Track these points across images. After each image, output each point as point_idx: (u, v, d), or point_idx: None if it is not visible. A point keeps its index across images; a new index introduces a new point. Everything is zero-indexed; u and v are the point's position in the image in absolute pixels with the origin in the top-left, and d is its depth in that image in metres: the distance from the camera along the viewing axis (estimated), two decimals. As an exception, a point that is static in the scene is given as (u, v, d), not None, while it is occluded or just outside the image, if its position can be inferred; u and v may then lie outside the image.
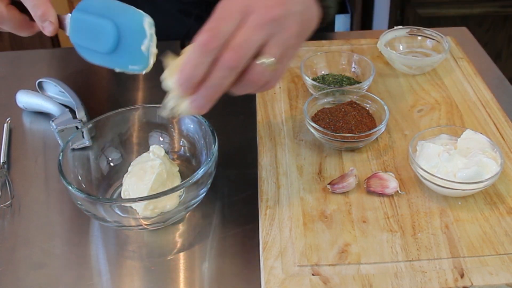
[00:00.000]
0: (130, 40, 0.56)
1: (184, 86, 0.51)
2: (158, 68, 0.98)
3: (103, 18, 0.55)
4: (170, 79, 0.53)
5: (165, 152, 0.70)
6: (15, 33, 0.63)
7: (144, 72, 0.58)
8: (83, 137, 0.72)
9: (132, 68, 0.57)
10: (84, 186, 0.66)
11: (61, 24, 0.60)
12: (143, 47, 0.55)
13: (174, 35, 0.97)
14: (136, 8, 0.56)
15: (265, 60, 0.52)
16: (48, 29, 0.59)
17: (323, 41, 0.96)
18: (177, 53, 0.55)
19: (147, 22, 0.55)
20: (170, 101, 0.55)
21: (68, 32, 0.58)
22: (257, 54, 0.52)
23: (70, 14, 0.59)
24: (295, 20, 0.54)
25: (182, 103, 0.54)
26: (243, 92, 0.55)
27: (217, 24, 0.50)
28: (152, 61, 0.57)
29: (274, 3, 0.52)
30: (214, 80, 0.51)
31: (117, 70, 0.58)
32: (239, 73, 0.52)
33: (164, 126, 0.73)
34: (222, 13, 0.51)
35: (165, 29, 0.97)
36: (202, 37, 0.50)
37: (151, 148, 0.69)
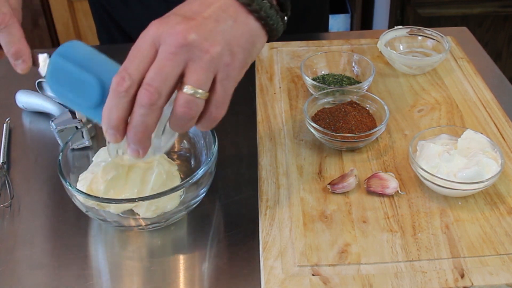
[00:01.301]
0: None
1: (107, 132, 0.51)
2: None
3: (87, 72, 0.52)
4: None
5: (164, 152, 0.70)
6: None
7: None
8: (83, 137, 0.72)
9: None
10: (84, 186, 0.65)
11: (34, 61, 0.58)
12: None
13: None
14: (118, 64, 0.53)
15: (185, 89, 0.49)
16: (20, 67, 0.58)
17: (323, 41, 0.96)
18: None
19: None
20: (110, 149, 0.55)
21: (44, 74, 0.55)
22: (181, 84, 0.49)
23: (47, 55, 0.56)
24: (216, 39, 0.50)
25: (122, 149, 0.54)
26: (183, 129, 0.52)
27: (127, 64, 0.49)
28: None
29: (185, 28, 0.49)
30: (136, 120, 0.49)
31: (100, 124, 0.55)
32: (160, 107, 0.49)
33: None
34: (133, 51, 0.50)
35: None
36: (113, 80, 0.49)
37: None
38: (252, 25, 0.53)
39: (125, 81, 0.48)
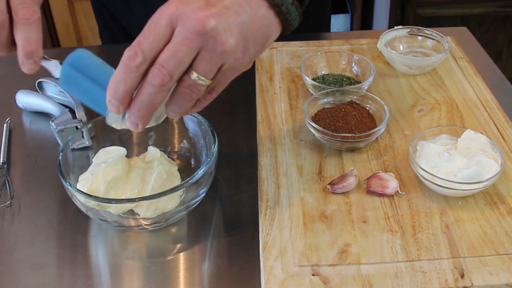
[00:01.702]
0: None
1: (110, 102, 0.51)
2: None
3: (96, 85, 0.53)
4: None
5: (164, 152, 0.70)
6: None
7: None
8: (83, 137, 0.72)
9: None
10: (84, 186, 0.65)
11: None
12: None
13: None
14: None
15: (193, 75, 0.50)
16: (28, 67, 0.56)
17: (323, 41, 0.96)
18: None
19: None
20: (109, 117, 0.55)
21: (59, 81, 0.56)
22: (189, 68, 0.50)
23: (58, 62, 0.57)
24: (233, 33, 0.49)
25: (120, 121, 0.54)
26: (176, 110, 0.53)
27: (141, 40, 0.49)
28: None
29: (205, 14, 0.48)
30: (143, 96, 0.50)
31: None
32: (169, 89, 0.50)
33: (164, 127, 0.73)
34: (149, 27, 0.49)
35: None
36: (126, 54, 0.49)
37: (148, 149, 0.69)
38: (270, 20, 0.53)
39: (138, 56, 0.48)
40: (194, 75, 0.50)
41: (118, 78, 0.50)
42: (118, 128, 0.56)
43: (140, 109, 0.51)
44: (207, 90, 0.53)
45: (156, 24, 0.49)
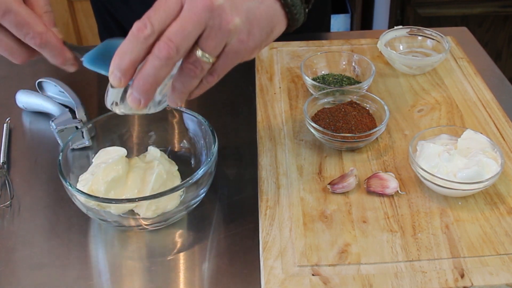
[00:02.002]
0: None
1: (112, 74, 0.50)
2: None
3: None
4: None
5: (164, 152, 0.70)
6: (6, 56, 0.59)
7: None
8: (83, 137, 0.72)
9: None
10: (84, 186, 0.65)
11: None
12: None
13: None
14: None
15: (200, 51, 0.51)
16: (71, 69, 0.58)
17: (323, 41, 0.96)
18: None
19: None
20: (109, 95, 0.54)
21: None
22: (195, 45, 0.51)
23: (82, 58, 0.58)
24: (239, 13, 0.51)
25: (120, 98, 0.54)
26: (180, 90, 0.53)
27: (151, 13, 0.50)
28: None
29: None
30: (148, 69, 0.50)
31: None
32: (174, 64, 0.51)
33: (164, 126, 0.73)
34: (159, 2, 0.50)
35: None
36: (135, 25, 0.49)
37: (148, 149, 0.69)
38: (276, 11, 0.55)
39: (147, 28, 0.49)
40: (199, 52, 0.51)
41: (125, 48, 0.50)
42: (117, 112, 0.56)
43: (144, 82, 0.50)
44: (210, 71, 0.54)
45: (167, 0, 0.50)
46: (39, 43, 0.55)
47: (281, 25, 0.56)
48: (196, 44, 0.51)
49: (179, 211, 0.64)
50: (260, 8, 0.54)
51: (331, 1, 1.16)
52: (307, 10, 0.59)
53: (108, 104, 0.56)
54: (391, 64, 0.89)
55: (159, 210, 0.62)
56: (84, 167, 0.67)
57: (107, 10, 1.05)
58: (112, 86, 0.54)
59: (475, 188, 0.62)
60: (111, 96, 0.55)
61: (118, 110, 0.57)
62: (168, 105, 0.57)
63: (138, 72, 0.51)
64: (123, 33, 1.22)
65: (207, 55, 0.51)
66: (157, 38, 0.50)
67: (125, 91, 0.54)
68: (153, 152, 0.69)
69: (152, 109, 0.57)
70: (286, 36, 0.81)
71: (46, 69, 1.00)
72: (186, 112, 0.70)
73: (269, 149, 0.73)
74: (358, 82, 0.82)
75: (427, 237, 0.60)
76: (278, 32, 0.57)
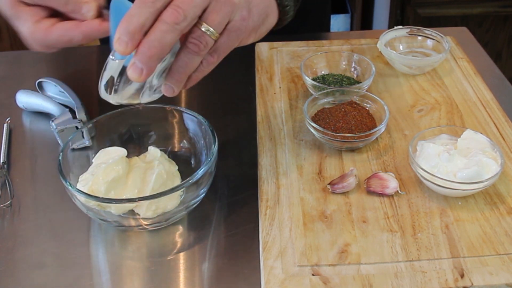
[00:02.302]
0: None
1: (119, 39, 0.49)
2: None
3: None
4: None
5: (164, 152, 0.70)
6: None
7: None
8: (83, 137, 0.72)
9: None
10: (84, 186, 0.65)
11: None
12: None
13: None
14: None
15: (204, 28, 0.52)
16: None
17: (323, 41, 0.96)
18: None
19: None
20: (105, 73, 0.53)
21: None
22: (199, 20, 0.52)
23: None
24: None
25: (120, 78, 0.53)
26: (181, 69, 0.53)
27: None
28: None
29: None
30: (155, 34, 0.50)
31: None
32: (181, 31, 0.51)
33: (164, 126, 0.73)
34: None
35: None
36: None
37: (148, 149, 0.69)
38: (270, 1, 0.58)
39: None
40: (204, 26, 0.52)
41: (132, 13, 0.50)
42: (111, 101, 0.55)
43: (150, 47, 0.50)
44: (210, 51, 0.54)
45: None
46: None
47: (273, 15, 0.58)
48: (199, 19, 0.52)
49: (179, 211, 0.64)
50: None
51: (331, 1, 1.16)
52: (296, 7, 0.61)
53: (102, 87, 0.54)
54: (391, 64, 0.89)
55: (159, 210, 0.62)
56: (84, 167, 0.67)
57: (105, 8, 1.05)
58: (108, 63, 0.53)
59: (475, 188, 0.62)
60: (109, 71, 0.53)
61: (112, 98, 0.55)
62: (162, 95, 0.57)
63: (144, 38, 0.50)
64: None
65: (211, 29, 0.52)
66: (164, 7, 0.50)
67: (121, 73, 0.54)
68: (153, 152, 0.69)
69: (146, 96, 0.56)
70: (286, 36, 0.82)
71: (46, 69, 1.00)
72: (186, 112, 0.70)
73: (269, 149, 0.73)
74: (358, 82, 0.82)
75: (427, 237, 0.60)
76: (271, 22, 0.58)
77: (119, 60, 0.53)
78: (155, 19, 0.50)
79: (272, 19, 0.59)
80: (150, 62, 0.50)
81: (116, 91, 0.55)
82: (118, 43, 0.50)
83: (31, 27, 0.55)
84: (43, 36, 0.55)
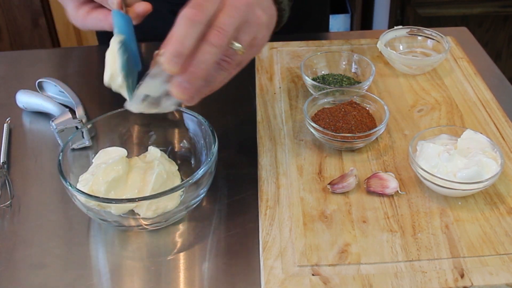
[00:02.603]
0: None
1: (172, 61, 0.50)
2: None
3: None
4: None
5: (164, 152, 0.70)
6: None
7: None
8: (83, 137, 0.72)
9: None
10: (84, 186, 0.65)
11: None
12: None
13: (163, 36, 0.97)
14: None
15: (236, 45, 0.53)
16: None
17: (323, 41, 0.96)
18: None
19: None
20: (144, 89, 0.54)
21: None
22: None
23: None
24: (263, 10, 0.55)
25: (159, 91, 0.54)
26: (213, 80, 0.55)
27: (201, 1, 0.51)
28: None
29: None
30: (203, 56, 0.51)
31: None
32: (221, 53, 0.52)
33: (164, 126, 0.73)
34: None
35: (155, 30, 0.97)
36: (188, 11, 0.50)
37: (148, 149, 0.69)
38: (274, 7, 0.60)
39: (202, 13, 0.50)
40: (235, 45, 0.53)
41: (183, 33, 0.50)
42: (132, 109, 0.56)
43: (198, 68, 0.51)
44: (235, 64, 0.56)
45: None
46: None
47: (275, 17, 0.60)
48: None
49: (179, 211, 0.64)
50: (270, 6, 0.58)
51: (330, 1, 1.16)
52: (290, 6, 0.62)
53: (139, 99, 0.56)
54: (391, 64, 0.89)
55: (159, 210, 0.62)
56: (84, 167, 0.67)
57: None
58: (147, 82, 0.54)
59: (475, 188, 0.62)
60: (146, 89, 0.55)
61: (138, 109, 0.57)
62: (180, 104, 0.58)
63: (192, 60, 0.51)
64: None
65: (241, 48, 0.53)
66: (207, 26, 0.51)
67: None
68: (154, 152, 0.69)
69: (165, 106, 0.57)
70: (286, 36, 0.81)
71: (46, 69, 1.00)
72: (186, 112, 0.70)
73: (269, 149, 0.73)
74: (358, 82, 0.82)
75: (427, 237, 0.60)
76: (273, 25, 0.60)
77: (159, 81, 0.54)
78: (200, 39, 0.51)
79: (273, 26, 0.61)
80: (197, 82, 0.52)
81: (150, 105, 0.56)
82: (171, 65, 0.50)
83: (72, 12, 0.62)
84: (81, 22, 0.62)
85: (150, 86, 0.55)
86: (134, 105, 0.57)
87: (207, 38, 0.51)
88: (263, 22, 0.55)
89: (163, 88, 0.54)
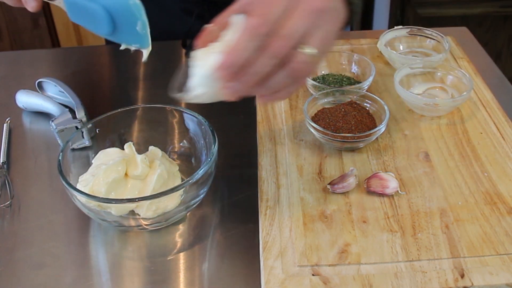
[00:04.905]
0: (124, 23, 0.56)
1: (230, 69, 0.49)
2: (158, 68, 0.98)
3: (94, 3, 0.55)
4: (202, 65, 0.52)
5: (165, 152, 0.70)
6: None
7: (146, 54, 0.57)
8: (83, 137, 0.72)
9: (135, 46, 0.57)
10: (84, 186, 0.65)
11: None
12: (138, 28, 0.55)
13: (175, 34, 0.97)
14: None
15: (308, 50, 0.51)
16: (31, 5, 0.59)
17: (323, 41, 0.96)
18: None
19: (133, 4, 0.55)
20: (198, 87, 0.53)
21: (67, 14, 0.58)
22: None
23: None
24: (335, 15, 0.53)
25: (210, 89, 0.53)
26: (290, 90, 0.53)
27: (267, 9, 0.49)
28: (150, 40, 0.57)
29: None
30: (259, 67, 0.49)
31: (122, 47, 0.57)
32: (283, 61, 0.51)
33: (164, 126, 0.73)
34: (269, 1, 0.50)
35: (167, 28, 0.96)
36: (253, 21, 0.49)
37: (149, 149, 0.69)
38: (344, 9, 0.57)
39: (266, 25, 0.49)
40: (311, 50, 0.51)
41: (243, 44, 0.49)
42: (185, 97, 0.55)
43: (251, 79, 0.50)
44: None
45: (276, 0, 0.50)
46: None
47: (344, 18, 0.58)
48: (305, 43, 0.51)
49: (179, 211, 0.64)
50: (341, 8, 0.55)
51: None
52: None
53: (191, 94, 0.54)
54: (391, 64, 0.89)
55: (160, 210, 0.62)
56: (84, 167, 0.67)
57: None
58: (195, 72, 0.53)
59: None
60: (200, 88, 0.54)
61: (190, 96, 0.55)
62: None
63: (248, 68, 0.50)
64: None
65: (315, 51, 0.51)
66: (271, 33, 0.49)
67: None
68: (155, 151, 0.69)
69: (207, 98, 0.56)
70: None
71: (46, 69, 1.00)
72: (186, 112, 0.70)
73: (269, 149, 0.73)
74: (358, 82, 0.82)
75: (427, 237, 0.60)
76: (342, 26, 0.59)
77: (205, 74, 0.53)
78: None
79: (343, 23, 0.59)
80: (250, 89, 0.51)
81: (197, 90, 0.54)
82: (227, 74, 0.50)
83: None
84: None
85: (203, 85, 0.54)
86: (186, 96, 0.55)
87: (269, 46, 0.49)
88: (334, 27, 0.53)
89: (215, 83, 0.53)
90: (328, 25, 0.52)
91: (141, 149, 0.72)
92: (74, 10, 0.58)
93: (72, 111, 0.79)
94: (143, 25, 0.55)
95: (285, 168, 0.69)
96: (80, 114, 0.79)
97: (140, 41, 0.57)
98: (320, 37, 0.51)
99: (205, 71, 0.52)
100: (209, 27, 0.53)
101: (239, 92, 0.52)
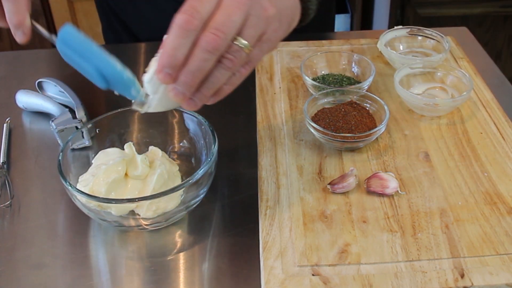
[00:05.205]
0: (117, 87, 0.55)
1: (164, 71, 0.49)
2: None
3: (85, 60, 0.55)
4: (150, 71, 0.52)
5: (165, 152, 0.70)
6: None
7: (143, 111, 0.57)
8: (83, 137, 0.72)
9: (132, 97, 0.57)
10: (84, 186, 0.65)
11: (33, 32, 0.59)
12: (133, 93, 0.55)
13: None
14: (107, 54, 0.55)
15: (242, 41, 0.50)
16: (19, 38, 0.58)
17: (323, 41, 0.96)
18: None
19: (127, 79, 0.55)
20: (150, 95, 0.54)
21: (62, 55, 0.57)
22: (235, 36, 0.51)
23: (52, 36, 0.58)
24: (274, 4, 0.52)
25: (159, 95, 0.53)
26: (213, 85, 0.52)
27: (194, 3, 0.49)
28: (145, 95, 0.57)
29: None
30: (195, 63, 0.49)
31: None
32: (219, 56, 0.50)
33: (164, 126, 0.73)
34: None
35: (162, 28, 0.96)
36: (181, 18, 0.48)
37: (149, 149, 0.69)
38: (296, 3, 0.56)
39: (195, 19, 0.48)
40: (240, 41, 0.50)
41: (175, 43, 0.48)
42: (139, 109, 0.55)
43: (192, 77, 0.49)
44: (243, 63, 0.53)
45: None
46: None
47: (297, 18, 0.57)
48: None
49: (179, 211, 0.64)
50: (285, 0, 0.55)
51: (335, 1, 1.16)
52: (317, 7, 0.60)
53: (139, 101, 0.55)
54: (391, 64, 0.89)
55: (160, 210, 0.62)
56: (84, 167, 0.67)
57: (112, 10, 1.05)
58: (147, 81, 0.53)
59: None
60: (145, 87, 0.54)
61: (145, 107, 0.56)
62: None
63: (185, 67, 0.49)
64: (128, 32, 1.22)
65: (246, 43, 0.50)
66: (202, 29, 0.49)
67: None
68: (155, 151, 0.69)
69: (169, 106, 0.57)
70: (288, 36, 0.81)
71: (46, 69, 1.00)
72: (186, 112, 0.70)
73: (269, 149, 0.73)
74: (358, 82, 0.82)
75: (427, 237, 0.60)
76: (294, 25, 0.57)
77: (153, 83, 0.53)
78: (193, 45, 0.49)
79: (295, 22, 0.58)
80: (191, 88, 0.51)
81: (151, 101, 0.55)
82: (161, 75, 0.50)
83: None
84: None
85: (151, 87, 0.54)
86: (139, 105, 0.56)
87: (200, 42, 0.48)
88: (271, 15, 0.51)
89: (162, 88, 0.54)
90: (263, 13, 0.51)
91: (141, 149, 0.72)
92: (67, 56, 0.58)
93: (72, 111, 0.79)
94: (137, 91, 0.55)
95: (285, 168, 0.69)
96: (80, 114, 0.79)
97: (135, 98, 0.56)
98: (253, 27, 0.50)
99: (149, 76, 0.53)
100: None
101: (185, 94, 0.51)
